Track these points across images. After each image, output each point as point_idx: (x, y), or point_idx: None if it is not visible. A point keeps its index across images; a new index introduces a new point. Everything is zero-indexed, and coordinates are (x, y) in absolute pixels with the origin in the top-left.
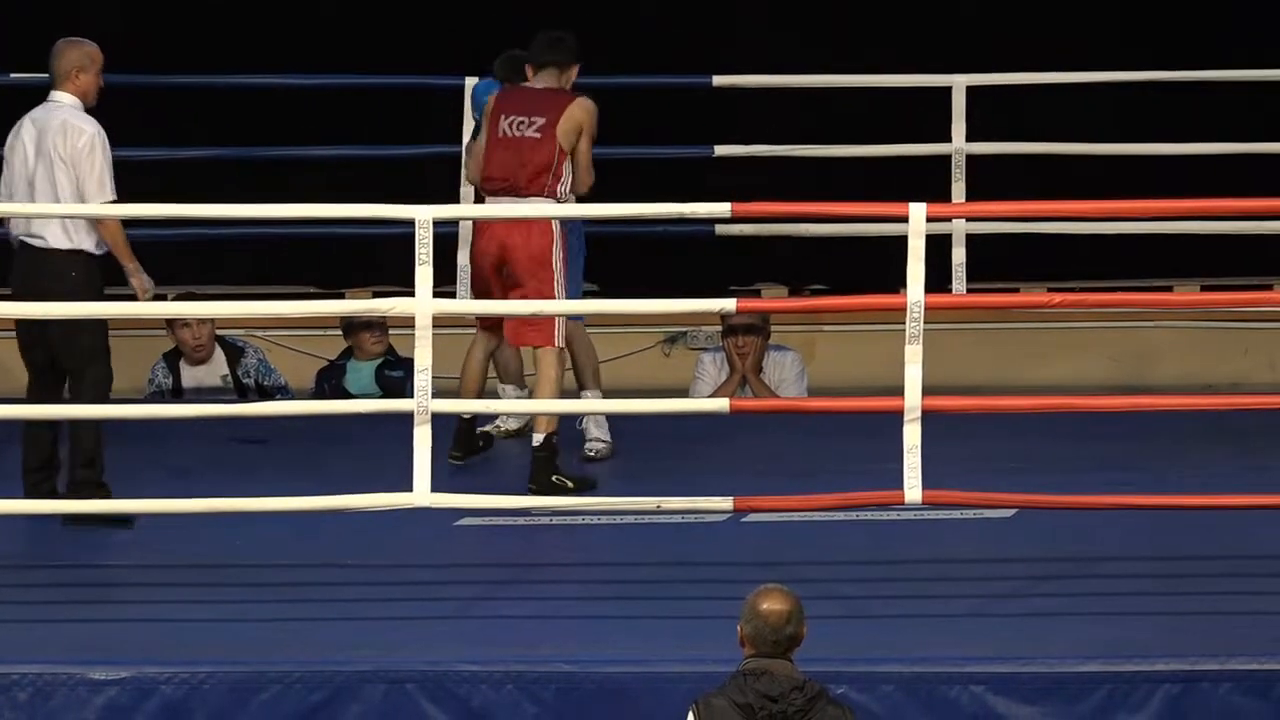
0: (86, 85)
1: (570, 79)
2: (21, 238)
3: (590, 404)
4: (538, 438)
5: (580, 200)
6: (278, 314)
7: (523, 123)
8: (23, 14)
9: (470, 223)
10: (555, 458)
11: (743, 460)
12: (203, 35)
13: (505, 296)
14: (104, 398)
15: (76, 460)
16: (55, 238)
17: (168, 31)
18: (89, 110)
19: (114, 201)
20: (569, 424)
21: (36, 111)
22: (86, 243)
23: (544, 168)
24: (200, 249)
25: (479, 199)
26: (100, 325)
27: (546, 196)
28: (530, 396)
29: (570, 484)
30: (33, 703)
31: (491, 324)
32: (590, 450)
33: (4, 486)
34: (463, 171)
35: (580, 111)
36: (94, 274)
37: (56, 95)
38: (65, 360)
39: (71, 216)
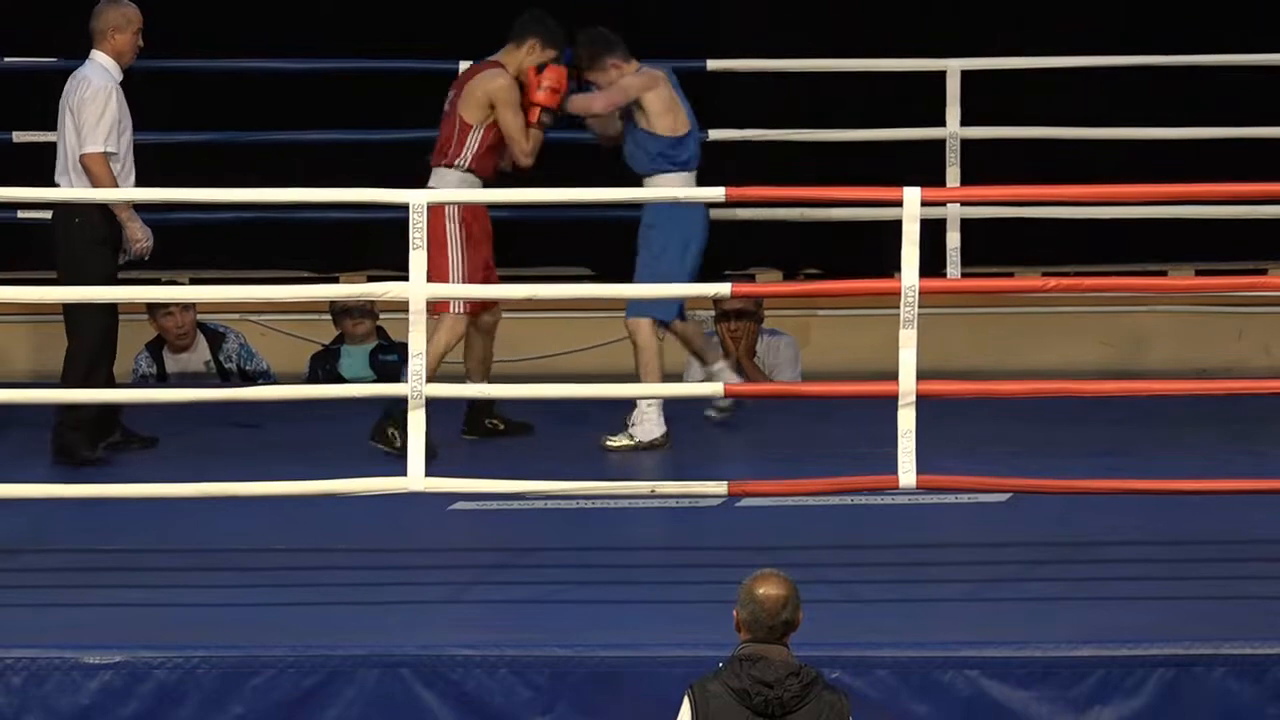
0: (122, 45)
1: (526, 54)
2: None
3: (577, 388)
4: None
5: (520, 174)
6: (270, 298)
7: (448, 97)
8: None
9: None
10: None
11: (737, 444)
12: (194, 19)
13: None
14: (96, 352)
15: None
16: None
17: (158, 16)
18: (125, 70)
19: (106, 155)
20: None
21: (77, 69)
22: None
23: (447, 140)
24: (193, 233)
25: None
26: (96, 280)
27: (446, 168)
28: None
29: (500, 425)
30: (26, 687)
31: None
32: (611, 441)
33: None
34: None
35: (488, 83)
36: (95, 222)
37: (93, 53)
38: (66, 317)
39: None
